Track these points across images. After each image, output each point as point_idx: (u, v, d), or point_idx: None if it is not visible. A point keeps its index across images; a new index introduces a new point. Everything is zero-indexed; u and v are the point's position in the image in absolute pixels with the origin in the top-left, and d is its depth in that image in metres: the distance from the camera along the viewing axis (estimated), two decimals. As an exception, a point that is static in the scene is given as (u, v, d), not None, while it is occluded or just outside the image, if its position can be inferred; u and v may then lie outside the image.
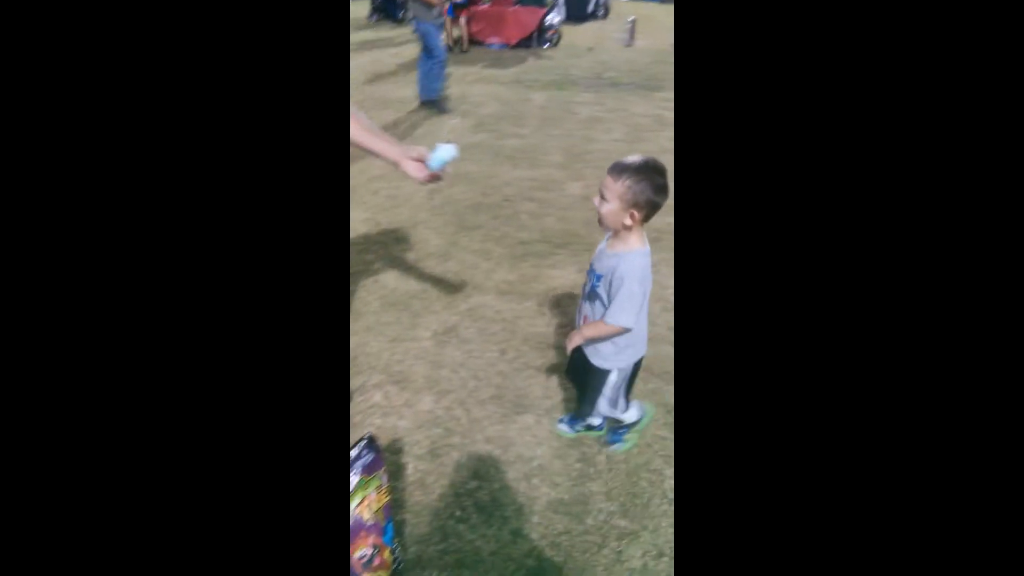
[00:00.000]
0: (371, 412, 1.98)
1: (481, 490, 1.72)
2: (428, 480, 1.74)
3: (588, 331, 1.59)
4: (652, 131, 5.34)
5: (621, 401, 1.76)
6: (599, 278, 1.55)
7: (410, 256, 3.03)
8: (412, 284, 2.77)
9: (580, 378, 1.81)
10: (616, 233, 1.52)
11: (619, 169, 1.44)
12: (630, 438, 1.89)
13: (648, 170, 1.43)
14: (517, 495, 1.69)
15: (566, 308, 2.59)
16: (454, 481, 1.73)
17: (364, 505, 1.36)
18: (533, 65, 8.35)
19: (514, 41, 9.70)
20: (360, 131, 1.60)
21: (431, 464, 1.79)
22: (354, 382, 2.12)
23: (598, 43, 10.04)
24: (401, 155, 1.64)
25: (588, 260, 1.65)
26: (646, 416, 1.91)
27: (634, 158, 1.45)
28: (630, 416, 1.86)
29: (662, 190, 1.43)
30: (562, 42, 9.76)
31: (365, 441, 1.41)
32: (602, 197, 1.48)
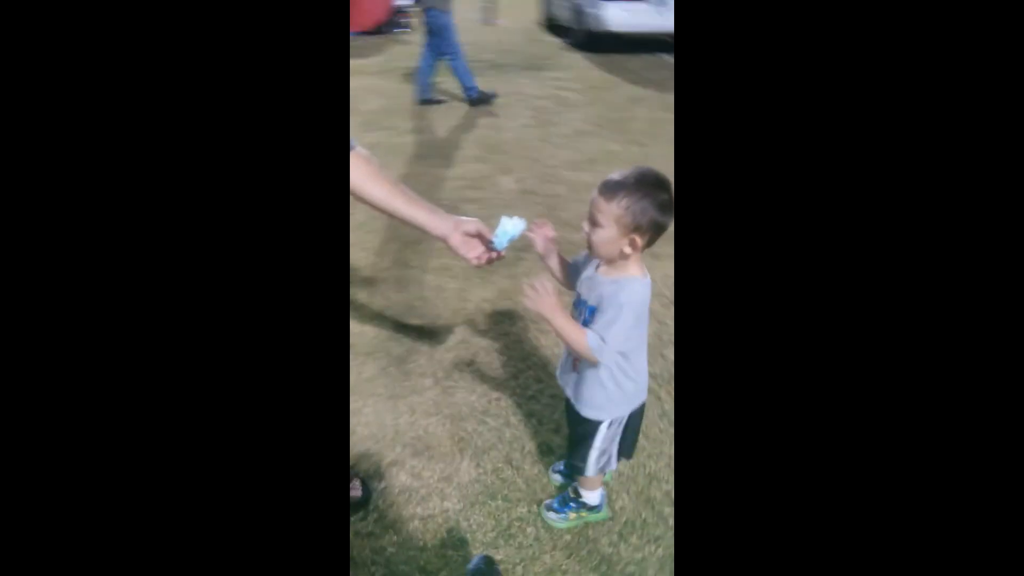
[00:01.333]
0: (405, 501, 1.59)
1: (591, 559, 1.43)
2: (520, 570, 1.41)
3: (565, 325, 1.22)
4: (557, 112, 5.20)
5: (612, 458, 1.45)
6: (592, 311, 1.27)
7: (361, 290, 2.57)
8: (379, 324, 2.33)
9: (570, 427, 1.52)
10: (611, 261, 1.26)
11: (612, 187, 1.18)
12: (573, 518, 1.53)
13: (648, 185, 1.18)
14: (621, 556, 1.43)
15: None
16: (549, 565, 1.43)
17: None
18: (397, 52, 7.80)
19: (368, 27, 9.06)
20: (391, 195, 1.20)
21: (513, 549, 1.46)
22: (364, 465, 1.71)
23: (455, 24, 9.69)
24: (451, 229, 1.25)
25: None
26: (602, 512, 1.56)
27: (628, 172, 1.19)
28: (592, 497, 1.53)
29: (667, 208, 1.18)
30: (412, 24, 9.24)
31: (482, 562, 1.07)
32: (593, 222, 1.21)
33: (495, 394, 1.97)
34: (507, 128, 4.74)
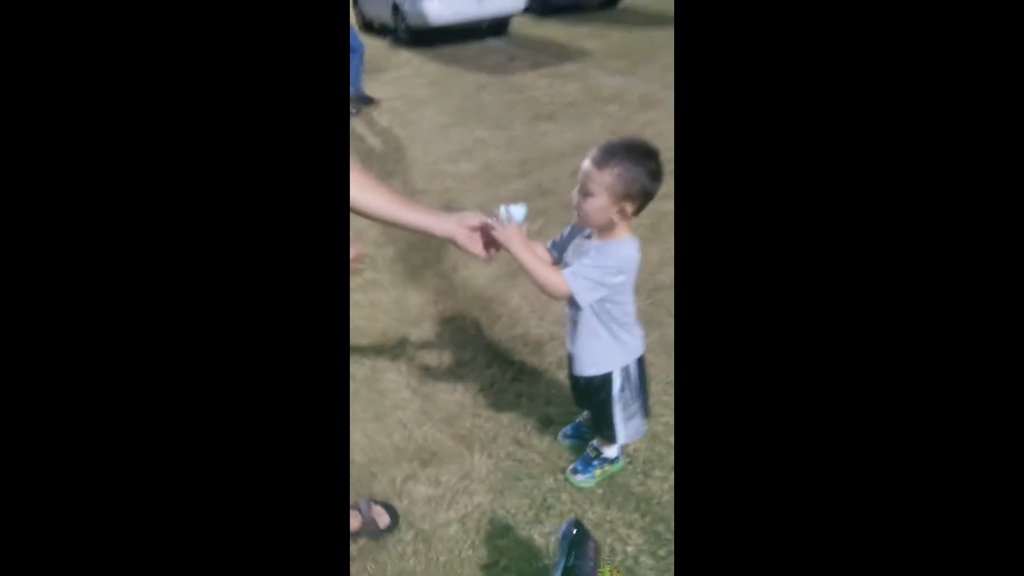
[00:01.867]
0: (434, 509, 1.56)
1: (629, 502, 1.51)
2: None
3: (529, 258, 1.25)
4: (413, 110, 5.13)
5: (639, 419, 1.50)
6: None
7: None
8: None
9: (585, 400, 1.57)
10: (600, 229, 1.32)
11: (605, 156, 1.23)
12: (599, 474, 1.61)
13: (639, 154, 1.24)
14: (652, 491, 1.54)
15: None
16: (595, 520, 1.49)
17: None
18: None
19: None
20: (391, 203, 1.15)
21: (556, 518, 1.50)
22: (378, 490, 1.64)
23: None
24: (455, 227, 1.23)
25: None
26: (620, 461, 1.64)
27: (617, 141, 1.27)
28: (610, 451, 1.61)
29: (656, 176, 1.25)
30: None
31: (572, 526, 1.11)
32: (584, 191, 1.26)
33: (475, 387, 1.98)
34: (371, 135, 4.62)
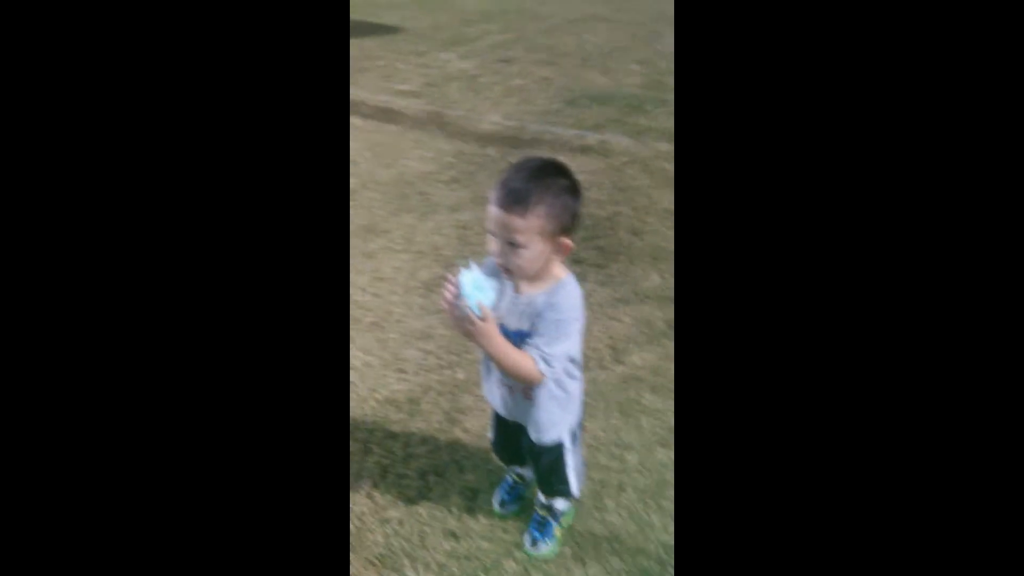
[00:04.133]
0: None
1: (629, 556, 1.33)
2: None
3: (508, 351, 1.08)
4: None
5: (581, 460, 1.36)
6: (518, 336, 1.13)
7: None
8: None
9: (519, 454, 1.37)
10: (534, 277, 1.12)
11: (519, 199, 1.01)
12: (559, 533, 1.40)
13: (551, 177, 1.06)
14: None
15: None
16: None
17: None
18: None
19: None
20: None
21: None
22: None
23: None
24: None
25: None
26: (571, 509, 1.45)
27: (518, 174, 1.06)
28: (561, 503, 1.41)
29: (576, 191, 1.09)
30: None
31: None
32: (509, 245, 1.04)
33: (364, 483, 1.54)
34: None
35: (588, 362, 1.49)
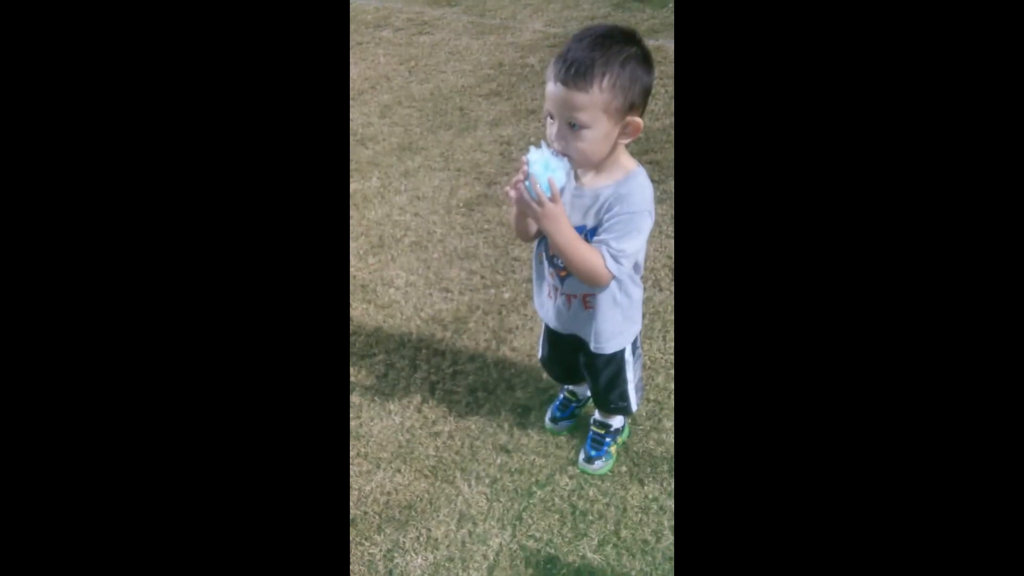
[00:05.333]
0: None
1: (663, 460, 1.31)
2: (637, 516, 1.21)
3: (576, 243, 0.99)
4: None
5: (640, 384, 1.28)
6: (579, 232, 1.01)
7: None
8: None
9: (573, 370, 1.30)
10: (599, 165, 1.00)
11: (582, 68, 0.89)
12: (615, 451, 1.36)
13: (619, 44, 0.92)
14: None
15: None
16: (654, 495, 1.25)
17: None
18: None
19: None
20: None
21: (596, 520, 1.23)
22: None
23: None
24: None
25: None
26: (626, 428, 1.40)
27: (581, 42, 0.92)
28: (617, 421, 1.36)
29: (648, 60, 0.95)
30: None
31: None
32: (570, 124, 0.92)
33: (413, 399, 1.52)
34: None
35: (644, 281, 1.40)
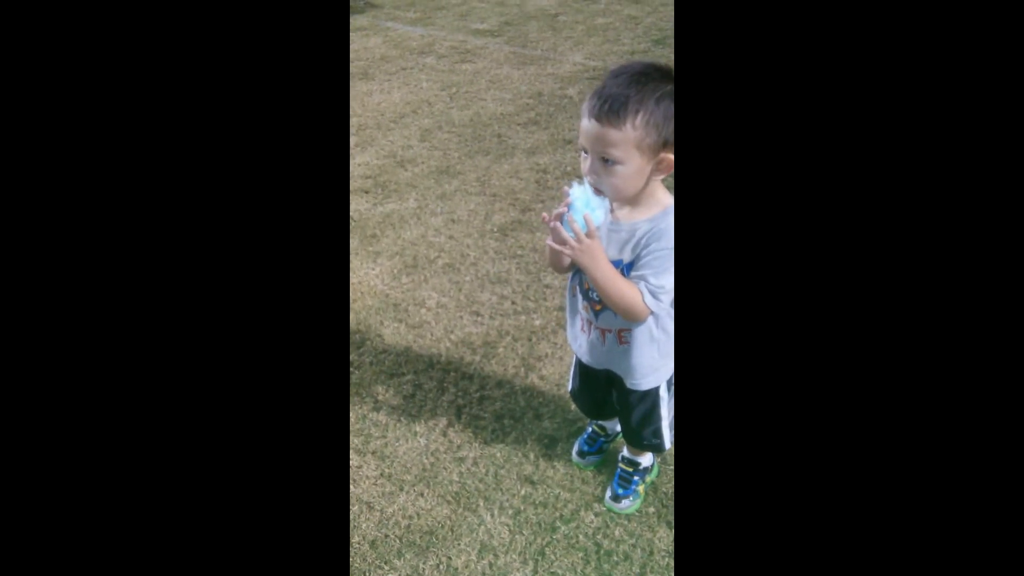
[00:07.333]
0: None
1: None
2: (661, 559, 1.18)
3: (614, 279, 0.98)
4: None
5: (673, 422, 1.24)
6: (623, 266, 1.02)
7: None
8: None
9: (604, 405, 1.29)
10: (633, 199, 1.00)
11: (615, 105, 0.89)
12: (643, 490, 1.32)
13: (654, 82, 0.92)
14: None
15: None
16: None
17: None
18: None
19: None
20: None
21: (627, 567, 1.19)
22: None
23: None
24: None
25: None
26: (656, 467, 1.37)
27: (617, 79, 0.93)
28: (647, 459, 1.33)
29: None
30: None
31: None
32: (605, 160, 0.93)
33: (439, 421, 1.51)
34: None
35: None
